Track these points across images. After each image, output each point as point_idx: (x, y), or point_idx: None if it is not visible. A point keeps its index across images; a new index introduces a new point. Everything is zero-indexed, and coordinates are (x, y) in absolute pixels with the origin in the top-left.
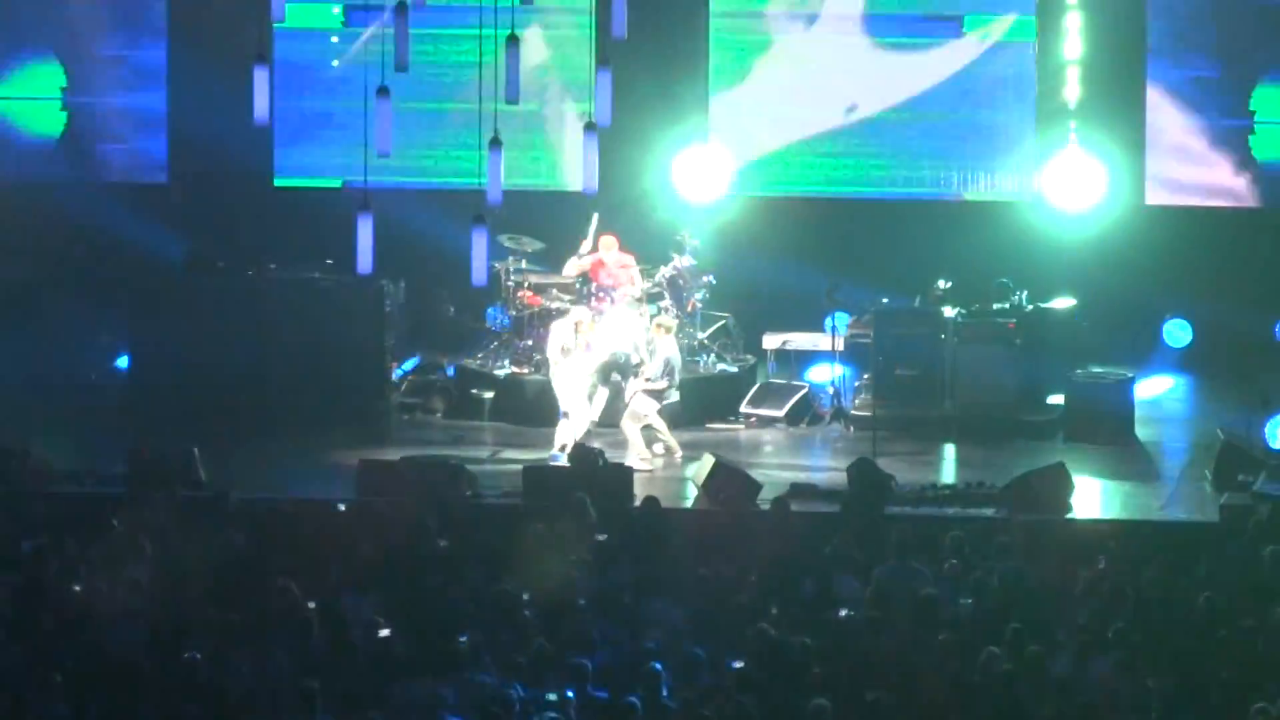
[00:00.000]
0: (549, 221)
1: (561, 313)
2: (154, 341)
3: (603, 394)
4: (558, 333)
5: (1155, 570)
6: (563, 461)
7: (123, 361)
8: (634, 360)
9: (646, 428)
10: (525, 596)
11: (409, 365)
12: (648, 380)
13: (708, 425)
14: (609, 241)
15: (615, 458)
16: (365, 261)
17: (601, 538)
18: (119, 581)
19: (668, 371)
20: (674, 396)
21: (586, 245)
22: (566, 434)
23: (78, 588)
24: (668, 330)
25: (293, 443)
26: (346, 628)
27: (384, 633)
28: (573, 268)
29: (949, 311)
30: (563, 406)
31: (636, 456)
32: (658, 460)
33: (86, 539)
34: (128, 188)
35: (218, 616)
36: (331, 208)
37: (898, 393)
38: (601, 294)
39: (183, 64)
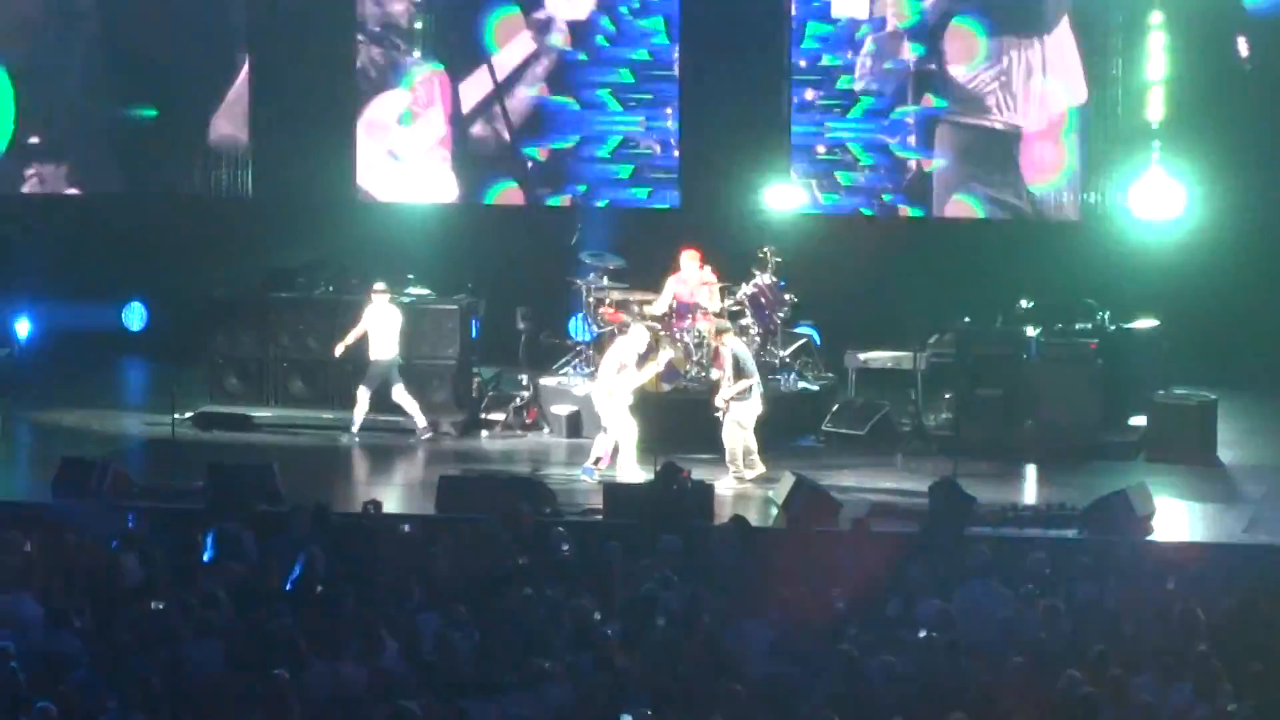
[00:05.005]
0: (632, 239)
1: (624, 330)
2: (231, 352)
3: None
4: (618, 350)
5: (1238, 594)
6: (594, 476)
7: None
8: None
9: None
10: (597, 616)
11: (489, 380)
12: (730, 385)
13: (787, 443)
14: (691, 255)
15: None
16: None
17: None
18: (199, 596)
19: (742, 369)
20: (758, 391)
21: (662, 303)
22: (602, 447)
23: (157, 603)
24: (725, 331)
25: (372, 457)
26: (423, 644)
27: (461, 648)
28: (661, 304)
29: (1031, 331)
30: (604, 421)
31: (731, 471)
32: (748, 475)
33: (167, 554)
34: None
35: (297, 632)
36: (413, 223)
37: (979, 413)
38: (682, 311)
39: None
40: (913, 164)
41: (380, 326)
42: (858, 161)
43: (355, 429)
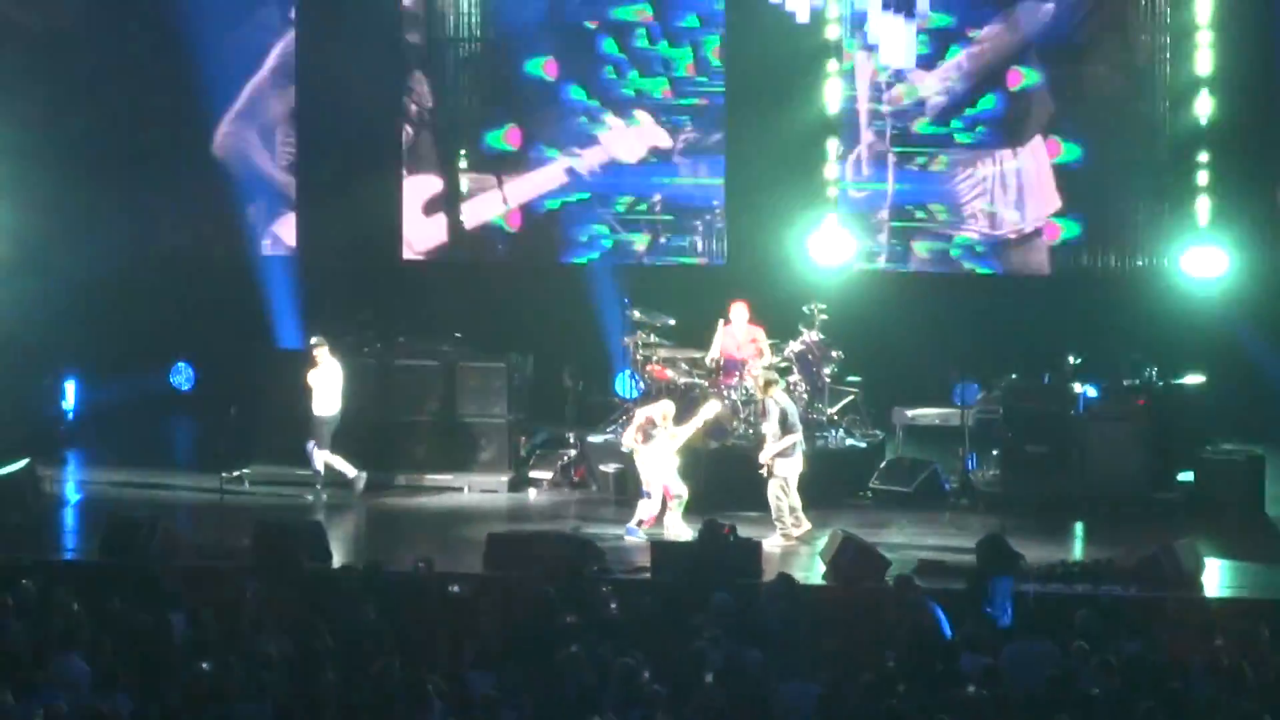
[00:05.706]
0: (681, 297)
1: (661, 394)
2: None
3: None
4: (641, 418)
5: None
6: (639, 536)
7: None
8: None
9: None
10: (645, 674)
11: (537, 439)
12: (774, 441)
13: (835, 500)
14: (740, 309)
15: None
16: None
17: None
18: (247, 655)
19: (788, 424)
20: (800, 448)
21: (712, 354)
22: (645, 511)
23: (206, 664)
24: (773, 384)
25: (420, 516)
26: (472, 703)
27: (510, 707)
28: (711, 356)
29: (1079, 387)
30: (645, 486)
31: (778, 529)
32: (795, 533)
33: (215, 612)
34: None
35: (346, 691)
36: (458, 282)
37: (1027, 469)
38: (730, 368)
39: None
40: (984, 219)
41: (322, 381)
42: (940, 222)
43: (354, 475)
